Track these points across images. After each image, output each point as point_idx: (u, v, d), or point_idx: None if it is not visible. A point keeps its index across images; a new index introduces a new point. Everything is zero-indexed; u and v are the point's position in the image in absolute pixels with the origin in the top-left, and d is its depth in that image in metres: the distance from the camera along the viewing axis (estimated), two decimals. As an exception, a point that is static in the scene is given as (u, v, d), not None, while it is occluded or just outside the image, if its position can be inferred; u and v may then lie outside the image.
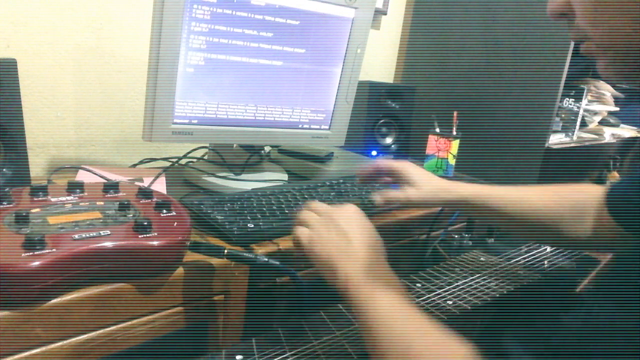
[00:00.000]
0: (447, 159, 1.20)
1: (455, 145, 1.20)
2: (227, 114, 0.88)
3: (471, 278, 0.69)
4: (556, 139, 1.42)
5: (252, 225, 0.70)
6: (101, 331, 0.52)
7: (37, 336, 0.47)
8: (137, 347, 0.55)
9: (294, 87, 0.94)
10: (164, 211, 0.60)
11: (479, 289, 0.67)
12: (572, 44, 1.21)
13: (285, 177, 1.00)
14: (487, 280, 0.69)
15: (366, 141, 1.30)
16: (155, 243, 0.53)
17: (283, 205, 0.79)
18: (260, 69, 0.88)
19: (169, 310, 0.58)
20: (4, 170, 0.70)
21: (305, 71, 0.94)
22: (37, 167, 0.96)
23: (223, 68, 0.85)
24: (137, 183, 0.73)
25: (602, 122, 1.82)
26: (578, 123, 1.52)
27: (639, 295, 0.47)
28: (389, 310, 0.46)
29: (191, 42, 0.80)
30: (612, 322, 0.59)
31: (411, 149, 1.37)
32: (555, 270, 0.75)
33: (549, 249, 0.84)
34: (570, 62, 1.23)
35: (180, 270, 0.58)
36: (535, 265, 0.76)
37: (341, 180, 0.96)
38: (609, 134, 1.73)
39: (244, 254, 0.61)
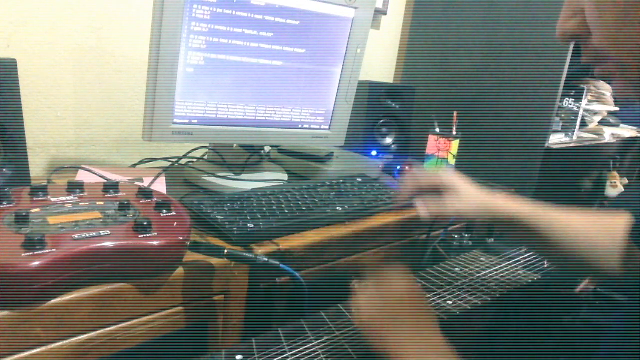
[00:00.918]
0: (447, 159, 1.20)
1: (455, 145, 1.20)
2: (227, 114, 0.88)
3: (471, 278, 0.69)
4: (556, 139, 1.42)
5: (252, 225, 0.70)
6: (101, 331, 0.52)
7: (37, 336, 0.47)
8: (137, 347, 0.55)
9: (294, 87, 0.94)
10: (164, 211, 0.60)
11: (479, 289, 0.67)
12: (573, 44, 1.21)
13: (285, 177, 0.99)
14: (487, 280, 0.69)
15: (366, 141, 1.30)
16: (155, 243, 0.53)
17: (283, 205, 0.79)
18: (260, 69, 0.88)
19: (169, 310, 0.58)
20: (4, 170, 0.70)
21: (305, 71, 0.94)
22: (37, 167, 0.96)
23: (223, 68, 0.85)
24: (137, 183, 0.73)
25: (602, 122, 1.82)
26: (578, 123, 1.52)
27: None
28: None
29: (191, 42, 0.80)
30: (612, 322, 0.59)
31: (411, 149, 1.37)
32: (555, 270, 0.75)
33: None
34: (570, 62, 1.23)
35: (180, 270, 0.58)
36: (535, 265, 0.76)
37: (341, 180, 0.96)
38: (609, 134, 1.73)
39: (244, 254, 0.61)
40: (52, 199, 0.58)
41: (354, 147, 1.24)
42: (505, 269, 0.74)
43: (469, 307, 0.62)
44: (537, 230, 0.64)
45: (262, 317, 0.69)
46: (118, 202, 0.59)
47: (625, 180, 1.79)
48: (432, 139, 1.23)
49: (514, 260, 0.77)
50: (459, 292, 0.65)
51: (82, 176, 0.83)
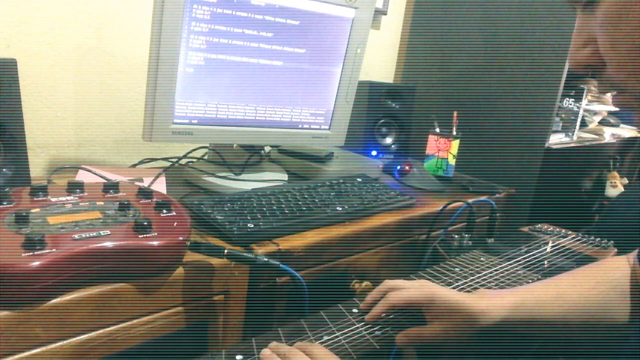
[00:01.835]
0: (447, 159, 1.21)
1: (455, 145, 1.20)
2: (227, 114, 0.89)
3: (471, 278, 0.69)
4: (556, 139, 1.42)
5: (252, 225, 0.70)
6: (101, 331, 0.52)
7: (37, 336, 0.47)
8: (137, 347, 0.55)
9: (294, 87, 0.94)
10: (164, 211, 0.60)
11: (479, 289, 0.66)
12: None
13: (285, 177, 1.00)
14: (487, 280, 0.69)
15: (366, 141, 1.30)
16: (155, 243, 0.53)
17: (283, 205, 0.79)
18: (260, 69, 0.88)
19: (169, 310, 0.58)
20: (4, 170, 0.70)
21: (305, 71, 0.94)
22: (37, 167, 0.96)
23: (223, 68, 0.85)
24: (137, 183, 0.73)
25: (602, 122, 1.82)
26: (578, 123, 1.52)
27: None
28: None
29: (191, 42, 0.80)
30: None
31: (411, 149, 1.37)
32: (555, 270, 0.75)
33: (548, 248, 0.84)
34: (570, 62, 1.23)
35: (180, 270, 0.58)
36: (535, 265, 0.76)
37: (341, 180, 0.96)
38: (609, 134, 1.73)
39: (244, 254, 0.61)
40: (52, 199, 0.58)
41: (354, 147, 1.24)
42: (505, 269, 0.74)
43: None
44: (536, 321, 0.56)
45: (262, 317, 0.69)
46: (118, 202, 0.59)
47: (625, 180, 1.79)
48: (432, 139, 1.23)
49: (514, 260, 0.77)
50: (459, 292, 0.65)
51: (82, 176, 0.83)
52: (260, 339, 0.52)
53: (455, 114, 1.21)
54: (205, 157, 1.01)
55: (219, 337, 0.65)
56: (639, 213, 0.84)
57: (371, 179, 1.02)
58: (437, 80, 1.50)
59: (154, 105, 0.79)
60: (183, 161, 0.99)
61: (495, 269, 0.73)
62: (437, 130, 1.22)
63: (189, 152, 0.99)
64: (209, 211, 0.73)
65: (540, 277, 0.72)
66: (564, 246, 0.85)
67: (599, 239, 0.88)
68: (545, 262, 0.78)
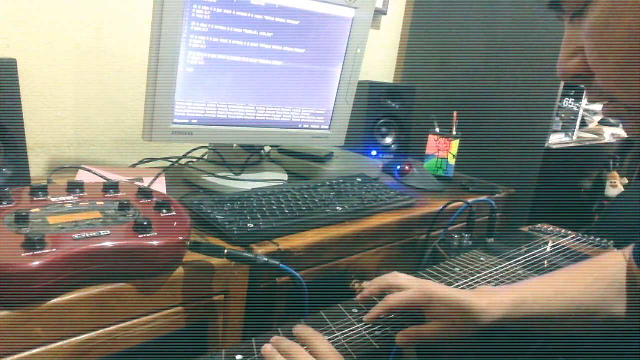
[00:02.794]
0: (447, 159, 1.21)
1: (455, 145, 1.20)
2: (227, 114, 0.88)
3: (471, 278, 0.69)
4: (556, 139, 1.42)
5: (252, 225, 0.70)
6: (101, 331, 0.52)
7: (37, 336, 0.47)
8: (137, 347, 0.55)
9: (294, 87, 0.94)
10: (164, 211, 0.60)
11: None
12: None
13: (285, 177, 1.00)
14: (487, 280, 0.69)
15: (366, 141, 1.30)
16: (155, 243, 0.53)
17: (283, 205, 0.79)
18: (260, 69, 0.88)
19: (169, 310, 0.58)
20: (4, 170, 0.70)
21: (305, 71, 0.94)
22: (37, 167, 0.96)
23: (223, 68, 0.85)
24: (137, 183, 0.73)
25: (602, 122, 1.82)
26: (578, 123, 1.52)
27: None
28: None
29: (191, 42, 0.80)
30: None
31: (411, 149, 1.37)
32: (555, 270, 0.75)
33: (549, 249, 0.84)
34: (570, 62, 1.23)
35: (180, 270, 0.58)
36: (535, 265, 0.76)
37: (341, 180, 0.96)
38: (609, 134, 1.73)
39: (244, 254, 0.61)
40: (52, 199, 0.58)
41: (354, 147, 1.24)
42: (505, 269, 0.73)
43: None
44: (536, 318, 0.55)
45: (262, 317, 0.69)
46: (118, 202, 0.59)
47: (625, 180, 1.79)
48: (432, 139, 1.23)
49: (514, 260, 0.77)
50: (459, 292, 0.65)
51: (82, 176, 0.83)
52: (260, 339, 0.52)
53: (455, 114, 1.21)
54: (205, 157, 1.01)
55: (219, 337, 0.65)
56: (639, 213, 0.84)
57: (371, 179, 1.02)
58: (437, 80, 1.50)
59: (154, 105, 0.79)
60: (183, 161, 0.99)
61: (495, 269, 0.73)
62: (437, 130, 1.22)
63: (189, 152, 0.99)
64: (209, 211, 0.73)
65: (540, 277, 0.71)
66: (564, 246, 0.85)
67: (599, 239, 0.88)
68: (545, 262, 0.78)
